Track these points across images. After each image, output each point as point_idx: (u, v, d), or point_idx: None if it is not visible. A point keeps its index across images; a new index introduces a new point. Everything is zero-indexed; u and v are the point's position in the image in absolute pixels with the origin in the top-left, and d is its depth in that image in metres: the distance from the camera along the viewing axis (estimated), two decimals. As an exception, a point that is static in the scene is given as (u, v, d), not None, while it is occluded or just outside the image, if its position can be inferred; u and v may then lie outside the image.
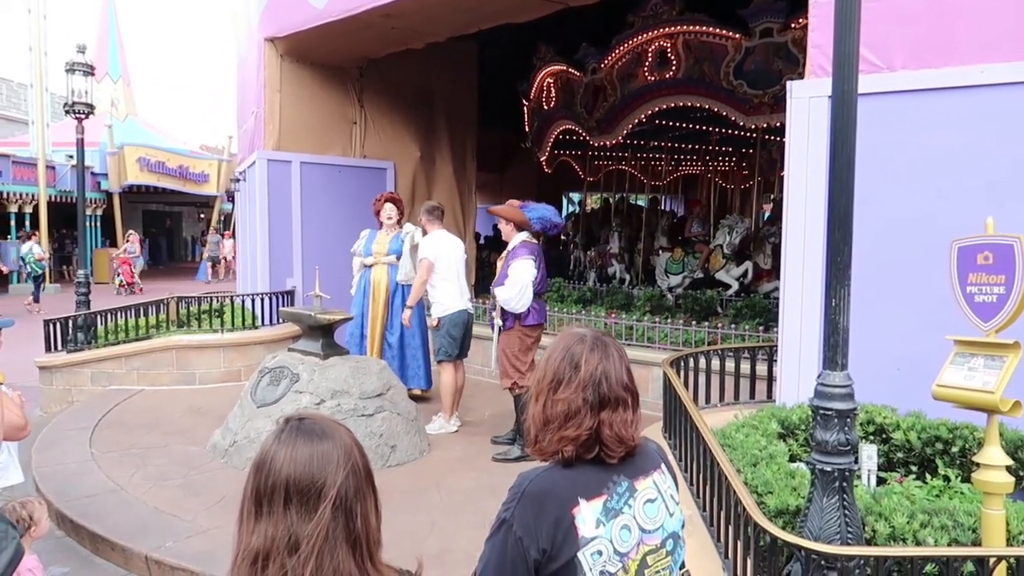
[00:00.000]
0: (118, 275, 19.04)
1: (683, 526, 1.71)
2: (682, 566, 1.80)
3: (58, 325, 8.23)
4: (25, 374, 7.76)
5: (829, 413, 2.52)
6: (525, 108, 12.05)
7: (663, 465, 1.71)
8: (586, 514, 1.53)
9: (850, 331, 3.94)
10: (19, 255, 16.46)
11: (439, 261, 6.38)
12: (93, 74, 8.72)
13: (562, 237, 14.16)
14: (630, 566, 1.55)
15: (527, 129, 12.27)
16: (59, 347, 8.18)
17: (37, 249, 17.05)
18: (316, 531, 1.19)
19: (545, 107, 10.90)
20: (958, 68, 3.84)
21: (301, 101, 9.56)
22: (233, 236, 19.90)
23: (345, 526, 1.22)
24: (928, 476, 3.57)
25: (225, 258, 24.35)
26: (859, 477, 3.47)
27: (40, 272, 16.89)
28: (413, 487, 5.04)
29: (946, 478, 3.47)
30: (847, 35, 2.46)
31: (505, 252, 5.75)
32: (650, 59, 9.01)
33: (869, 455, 3.53)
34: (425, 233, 6.73)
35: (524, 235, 5.68)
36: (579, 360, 1.61)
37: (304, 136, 9.60)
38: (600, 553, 1.52)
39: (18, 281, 21.23)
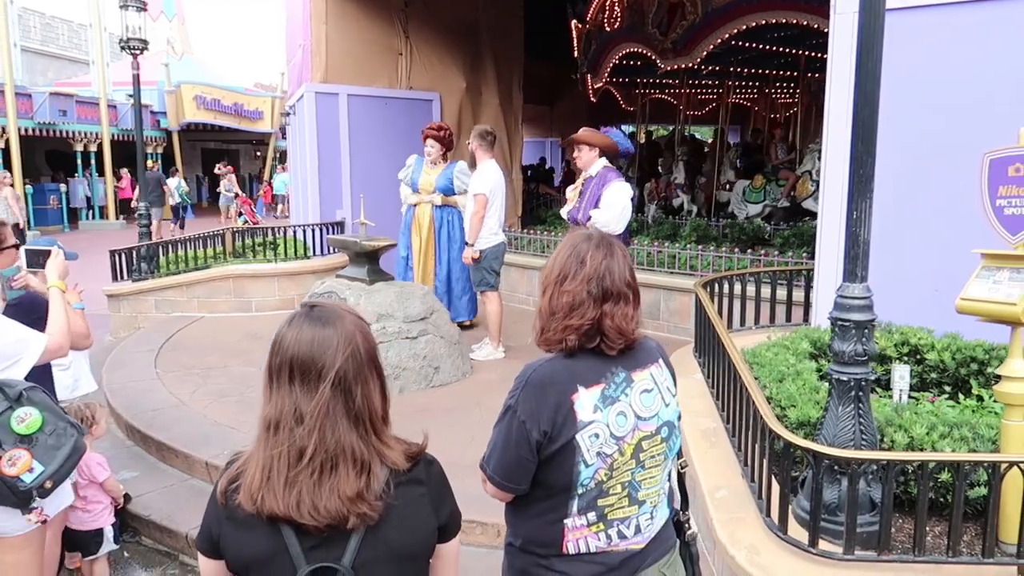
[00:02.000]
0: (240, 215, 18.94)
1: (679, 417, 1.82)
2: (680, 455, 1.91)
3: (123, 256, 8.63)
4: (101, 302, 8.21)
5: (847, 324, 2.55)
6: (575, 32, 11.69)
7: (661, 360, 1.81)
8: (584, 400, 1.64)
9: (889, 254, 3.92)
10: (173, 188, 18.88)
11: (492, 195, 6.39)
12: (146, 9, 8.90)
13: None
14: (626, 449, 1.67)
15: (576, 55, 11.97)
16: (125, 276, 8.60)
17: (183, 184, 20.08)
18: (317, 407, 1.34)
19: (607, 29, 10.43)
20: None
21: (347, 33, 9.58)
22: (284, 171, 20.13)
23: (345, 403, 1.37)
24: (962, 397, 3.58)
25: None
26: (890, 397, 3.50)
27: (188, 203, 20.18)
28: (455, 405, 5.26)
29: (979, 398, 3.48)
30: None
31: (581, 179, 5.64)
32: (606, 12, 9.16)
33: (901, 375, 3.54)
34: (474, 159, 6.70)
35: (604, 161, 5.56)
36: (584, 256, 1.71)
37: (350, 68, 9.65)
38: (597, 436, 1.63)
39: (87, 218, 22.14)
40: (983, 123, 3.66)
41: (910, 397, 3.54)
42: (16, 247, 3.04)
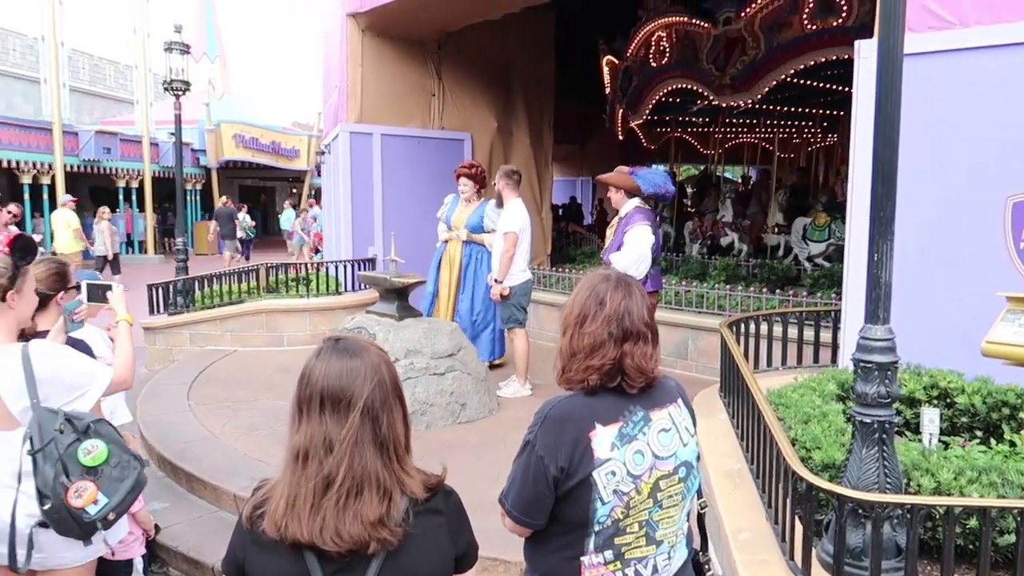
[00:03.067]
0: (318, 251, 18.85)
1: (697, 457, 1.83)
2: (699, 495, 1.92)
3: (160, 290, 8.85)
4: (137, 335, 8.40)
5: (870, 366, 2.55)
6: (607, 68, 11.63)
7: (680, 400, 1.83)
8: (602, 437, 1.67)
9: (917, 297, 3.90)
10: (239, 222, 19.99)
11: (522, 233, 6.48)
12: (189, 52, 9.27)
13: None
14: (643, 488, 1.69)
15: (608, 92, 11.92)
16: (161, 310, 8.80)
17: (247, 218, 21.44)
18: (347, 434, 1.40)
19: (652, 64, 10.12)
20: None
21: (382, 75, 9.85)
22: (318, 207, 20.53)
23: (372, 431, 1.42)
24: (994, 442, 3.52)
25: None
26: (919, 441, 3.46)
27: (252, 236, 21.36)
28: (481, 442, 5.28)
29: (1012, 444, 3.42)
30: (895, -11, 2.46)
31: (615, 219, 5.71)
32: (654, 47, 9.06)
33: (931, 418, 3.50)
34: (500, 199, 6.81)
35: (636, 201, 5.61)
36: (604, 297, 1.75)
37: (384, 109, 9.90)
38: (614, 473, 1.66)
39: (127, 252, 22.69)
40: (1007, 167, 3.66)
41: (940, 441, 3.49)
42: (77, 288, 3.16)
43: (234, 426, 5.76)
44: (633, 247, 5.35)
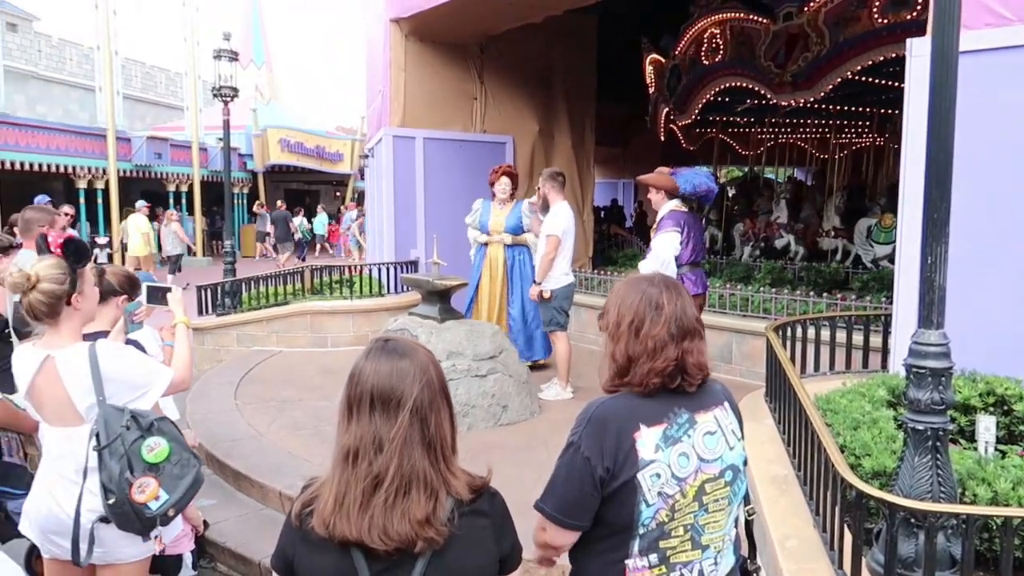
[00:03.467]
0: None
1: (744, 461, 1.81)
2: (747, 501, 1.89)
3: (208, 291, 9.04)
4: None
5: (923, 371, 2.49)
6: (651, 68, 11.41)
7: (726, 403, 1.81)
8: (646, 439, 1.66)
9: (973, 301, 3.79)
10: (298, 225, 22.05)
11: (564, 236, 6.47)
12: (238, 59, 9.48)
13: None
14: (688, 491, 1.67)
15: (652, 91, 11.77)
16: (210, 311, 8.99)
17: (304, 221, 23.23)
18: (396, 434, 1.41)
19: (704, 62, 9.85)
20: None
21: (424, 79, 9.93)
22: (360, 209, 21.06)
23: (420, 431, 1.44)
24: (1054, 451, 3.40)
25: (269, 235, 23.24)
26: (975, 449, 3.36)
27: (308, 238, 23.21)
28: (522, 444, 5.28)
29: (1072, 453, 3.30)
30: (949, -15, 2.40)
31: (656, 222, 5.65)
32: (706, 44, 8.90)
33: (987, 426, 3.40)
34: (545, 201, 6.78)
35: (674, 203, 5.51)
36: (658, 300, 1.75)
37: (427, 112, 9.98)
38: (659, 476, 1.64)
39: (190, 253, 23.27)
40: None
41: (997, 450, 3.38)
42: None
43: (279, 425, 5.86)
44: (655, 256, 5.33)
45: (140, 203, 15.49)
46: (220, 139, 23.13)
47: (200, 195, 23.52)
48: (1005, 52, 3.84)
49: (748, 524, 1.93)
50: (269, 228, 21.53)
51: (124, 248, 16.73)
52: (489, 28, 9.65)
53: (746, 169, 15.19)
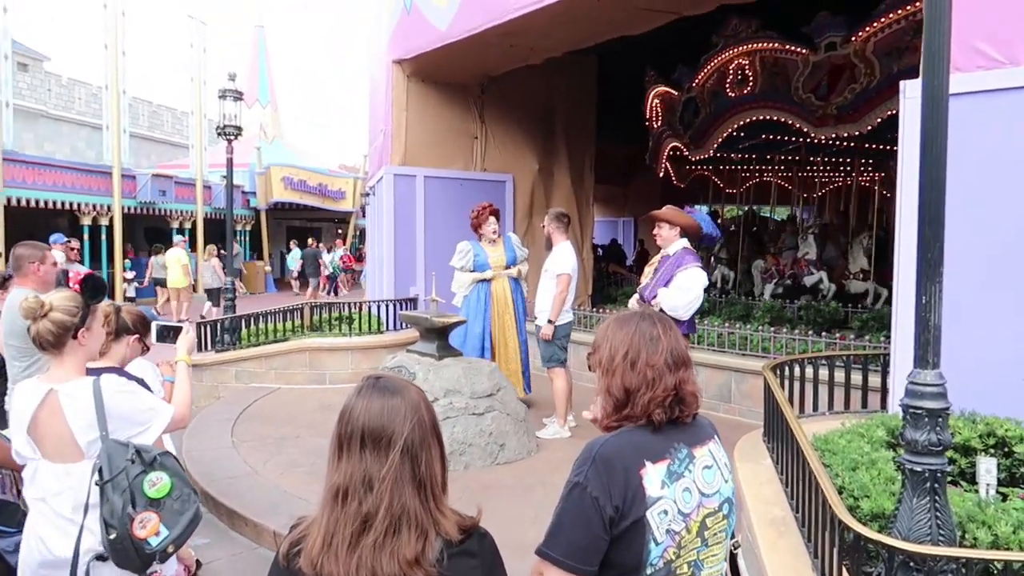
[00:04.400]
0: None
1: (734, 494, 1.80)
2: (732, 535, 1.87)
3: (208, 327, 9.04)
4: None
5: (919, 412, 2.48)
6: (659, 100, 11.61)
7: (716, 436, 1.82)
8: (652, 475, 1.64)
9: (970, 340, 3.78)
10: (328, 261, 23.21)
11: (574, 274, 6.54)
12: (242, 99, 9.59)
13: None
14: (692, 526, 1.66)
15: (658, 125, 11.93)
16: (209, 347, 8.98)
17: (336, 257, 24.07)
18: (387, 473, 1.40)
19: (730, 94, 9.91)
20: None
21: (426, 118, 10.07)
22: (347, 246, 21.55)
23: (411, 470, 1.42)
24: (1055, 493, 3.36)
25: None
26: (976, 492, 3.33)
27: (337, 273, 23.81)
28: (519, 483, 5.23)
29: (1074, 496, 3.27)
30: (938, 30, 2.44)
31: (658, 257, 5.64)
32: (731, 76, 9.00)
33: (988, 468, 3.37)
34: (549, 241, 6.85)
35: (685, 242, 5.50)
36: (652, 333, 1.75)
37: (428, 151, 10.10)
38: (666, 512, 1.62)
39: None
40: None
41: (998, 492, 3.35)
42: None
43: (276, 463, 5.81)
44: (687, 290, 5.22)
45: (178, 238, 16.88)
46: (224, 176, 23.47)
47: (204, 232, 23.63)
48: (996, 94, 3.89)
49: (732, 557, 1.91)
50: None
51: (155, 282, 17.89)
52: (490, 69, 9.81)
53: (736, 207, 15.18)
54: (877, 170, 13.21)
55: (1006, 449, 3.64)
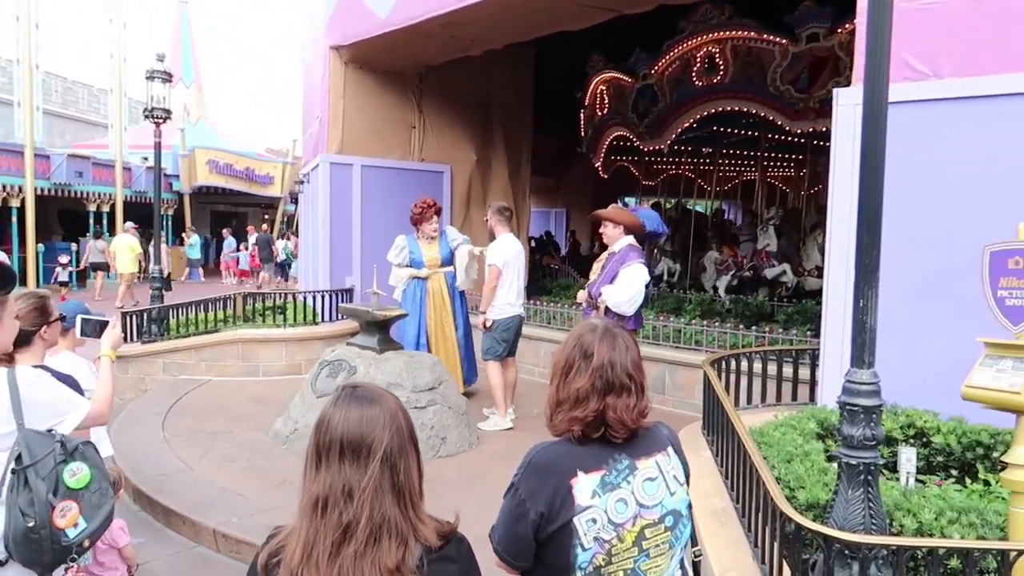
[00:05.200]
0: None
1: (688, 506, 1.87)
2: (693, 542, 1.95)
3: (134, 317, 8.72)
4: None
5: (856, 409, 2.62)
6: (606, 87, 11.30)
7: (670, 448, 1.87)
8: (583, 485, 1.71)
9: (895, 338, 4.00)
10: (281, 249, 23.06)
11: (506, 267, 6.56)
12: (171, 81, 9.23)
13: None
14: (625, 536, 1.72)
15: (582, 135, 12.26)
16: (135, 338, 8.66)
17: (289, 244, 23.56)
18: (368, 482, 1.41)
19: (599, 114, 10.49)
20: (1005, 76, 3.87)
21: (363, 106, 9.92)
22: (296, 235, 20.87)
23: (391, 478, 1.44)
24: (968, 481, 3.60)
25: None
26: (897, 479, 3.54)
27: (291, 260, 23.03)
28: (461, 476, 5.27)
29: (986, 483, 3.50)
30: (879, 42, 2.57)
31: (605, 254, 5.72)
32: (699, 64, 8.87)
33: (908, 458, 3.58)
34: (492, 233, 6.89)
35: (630, 239, 5.60)
36: (589, 348, 1.80)
37: (365, 140, 9.96)
38: (595, 521, 1.69)
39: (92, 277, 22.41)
40: (986, 215, 3.79)
41: (917, 480, 3.56)
42: (63, 318, 3.11)
43: (210, 458, 5.68)
44: (629, 285, 5.35)
45: (128, 224, 17.00)
46: (145, 158, 22.59)
47: (123, 216, 22.68)
48: (922, 105, 4.11)
49: (696, 565, 1.99)
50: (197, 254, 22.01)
51: (92, 267, 17.93)
52: (429, 59, 9.74)
53: (666, 200, 15.51)
54: (800, 167, 13.71)
55: (924, 439, 3.88)
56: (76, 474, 2.32)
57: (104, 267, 17.78)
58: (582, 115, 12.02)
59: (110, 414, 2.77)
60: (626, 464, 1.76)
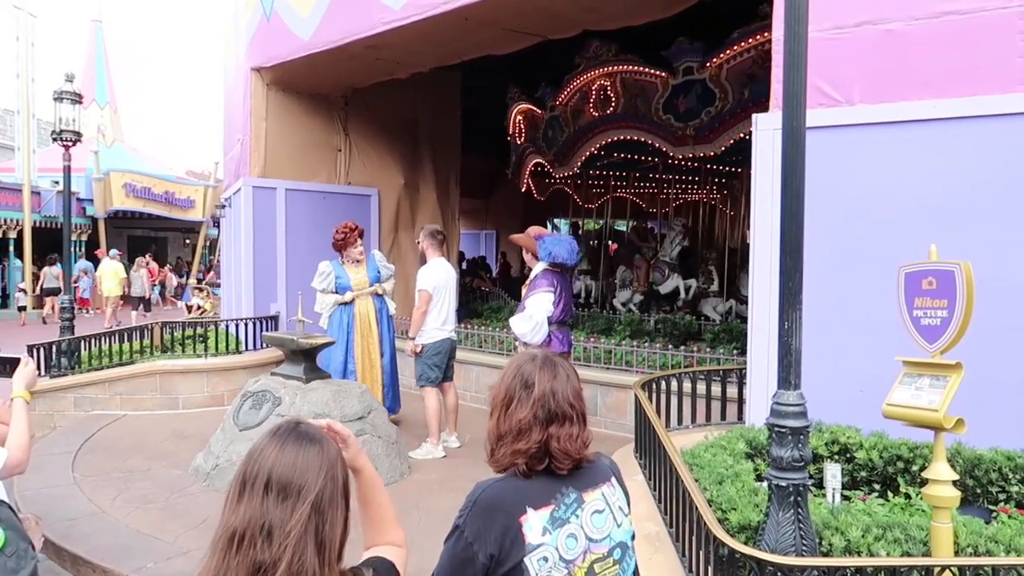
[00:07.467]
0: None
1: (632, 537, 1.83)
2: (635, 574, 1.91)
3: (42, 350, 8.25)
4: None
5: (784, 430, 2.65)
6: (522, 118, 11.78)
7: (613, 479, 1.83)
8: (533, 522, 1.65)
9: (818, 357, 4.10)
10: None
11: (436, 292, 6.48)
12: (81, 102, 8.83)
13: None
14: (576, 572, 1.67)
15: (520, 141, 12.19)
16: (42, 372, 8.18)
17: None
18: (294, 527, 1.31)
19: (594, 113, 10.21)
20: (912, 103, 4.04)
21: (287, 129, 9.73)
22: (218, 262, 20.04)
23: (316, 528, 1.34)
24: (890, 494, 3.70)
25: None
26: (824, 495, 3.60)
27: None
28: (394, 508, 5.11)
29: (907, 496, 3.60)
30: (795, 71, 2.64)
31: (529, 279, 5.73)
32: (594, 96, 9.41)
33: (833, 474, 3.66)
34: (423, 257, 6.81)
35: (544, 264, 5.62)
36: (529, 379, 1.74)
37: (289, 163, 9.75)
38: (546, 559, 1.63)
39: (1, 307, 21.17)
40: (900, 236, 3.94)
41: (843, 496, 3.64)
42: None
43: (125, 499, 5.37)
44: (528, 318, 5.40)
45: (113, 251, 18.67)
46: (55, 182, 21.55)
47: (31, 242, 21.58)
48: (836, 130, 4.26)
49: None
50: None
51: (44, 292, 19.05)
52: (354, 81, 9.63)
53: (592, 221, 15.69)
54: (722, 189, 14.09)
55: (848, 455, 3.98)
56: None
57: (56, 292, 18.27)
58: (508, 140, 12.18)
59: (28, 461, 2.56)
60: (574, 497, 1.71)
